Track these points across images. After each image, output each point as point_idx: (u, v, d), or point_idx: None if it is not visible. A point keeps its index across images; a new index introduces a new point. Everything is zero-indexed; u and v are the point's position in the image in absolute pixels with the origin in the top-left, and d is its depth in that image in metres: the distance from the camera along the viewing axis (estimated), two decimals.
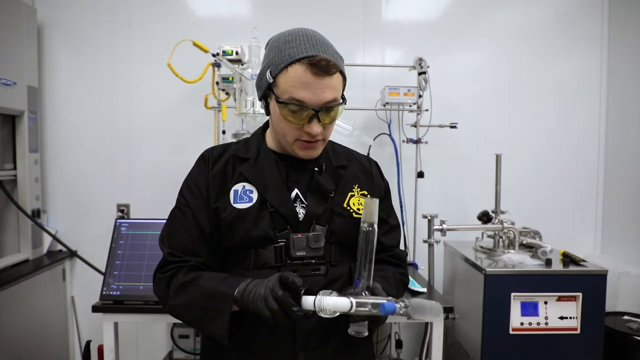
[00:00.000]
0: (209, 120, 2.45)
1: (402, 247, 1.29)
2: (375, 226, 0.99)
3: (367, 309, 0.90)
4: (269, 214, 1.05)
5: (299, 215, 1.06)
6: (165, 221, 1.12)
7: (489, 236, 2.30)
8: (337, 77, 0.99)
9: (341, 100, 1.02)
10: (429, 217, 2.28)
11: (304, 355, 1.01)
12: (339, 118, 1.06)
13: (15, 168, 2.37)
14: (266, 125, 1.17)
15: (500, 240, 2.23)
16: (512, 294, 1.90)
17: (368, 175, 1.19)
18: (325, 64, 0.95)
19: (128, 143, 2.62)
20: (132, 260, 1.96)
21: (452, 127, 2.47)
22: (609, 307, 2.13)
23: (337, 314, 0.90)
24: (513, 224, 2.23)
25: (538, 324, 1.91)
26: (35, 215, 2.42)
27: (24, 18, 2.35)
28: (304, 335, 1.02)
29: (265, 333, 1.01)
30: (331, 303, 0.89)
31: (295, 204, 1.07)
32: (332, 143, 1.19)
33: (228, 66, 2.21)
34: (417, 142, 2.48)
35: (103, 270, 1.98)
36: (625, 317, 2.21)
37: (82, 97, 2.61)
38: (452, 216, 2.36)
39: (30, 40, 2.42)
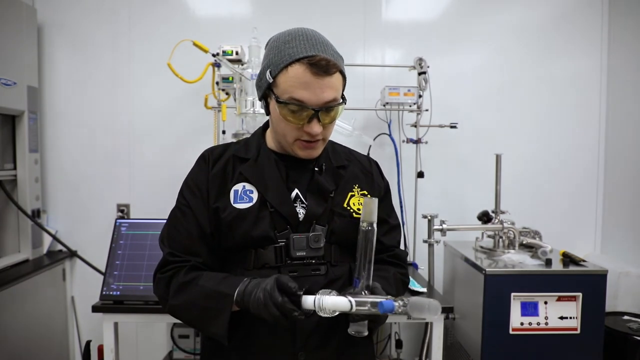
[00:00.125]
0: (209, 120, 2.45)
1: (402, 247, 1.29)
2: (375, 225, 0.99)
3: (366, 308, 0.90)
4: (269, 214, 1.05)
5: (299, 215, 1.06)
6: (165, 221, 1.12)
7: (489, 236, 2.30)
8: (337, 76, 0.99)
9: (341, 100, 1.02)
10: (429, 217, 2.28)
11: (304, 355, 1.01)
12: (339, 118, 1.06)
13: (15, 168, 2.37)
14: (266, 125, 1.17)
15: (500, 240, 2.23)
16: (512, 294, 1.90)
17: (368, 175, 1.19)
18: (325, 64, 0.95)
19: (128, 143, 2.62)
20: (132, 260, 1.96)
21: (452, 127, 2.47)
22: (609, 307, 2.13)
23: (337, 313, 0.90)
24: (513, 224, 2.23)
25: (538, 324, 1.91)
26: (35, 215, 2.42)
27: (24, 18, 2.35)
28: (304, 335, 1.02)
29: (265, 333, 1.01)
30: (331, 302, 0.89)
31: (295, 204, 1.07)
32: (332, 143, 1.19)
33: (228, 66, 2.21)
34: (417, 142, 2.48)
35: (103, 270, 1.98)
36: (625, 317, 2.21)
37: (82, 97, 2.61)
38: (452, 216, 2.36)
39: (30, 40, 2.42)
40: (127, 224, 2.06)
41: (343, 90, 1.04)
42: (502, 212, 2.27)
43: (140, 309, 1.86)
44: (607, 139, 2.73)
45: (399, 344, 2.49)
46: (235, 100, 2.26)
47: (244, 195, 1.07)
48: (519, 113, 2.71)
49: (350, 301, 0.89)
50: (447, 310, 1.92)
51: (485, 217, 2.28)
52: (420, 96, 2.41)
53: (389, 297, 0.91)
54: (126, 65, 2.60)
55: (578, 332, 1.91)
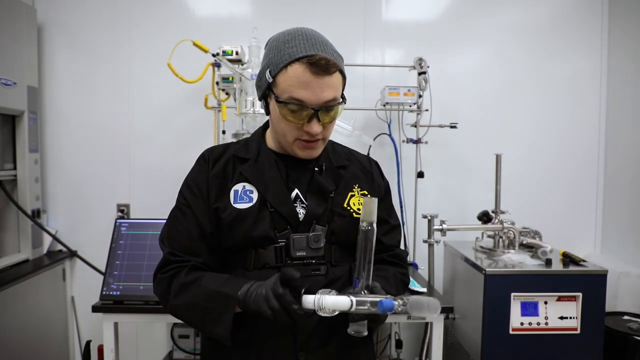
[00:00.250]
0: (209, 120, 2.45)
1: (402, 247, 1.29)
2: (374, 225, 0.99)
3: (366, 307, 0.90)
4: (269, 214, 1.05)
5: (299, 216, 1.06)
6: (165, 221, 1.11)
7: (489, 236, 2.30)
8: (337, 76, 0.99)
9: (341, 100, 1.02)
10: (429, 217, 2.28)
11: (304, 355, 1.01)
12: (338, 118, 1.06)
13: (15, 168, 2.37)
14: (266, 125, 1.17)
15: (500, 240, 2.23)
16: (512, 294, 1.90)
17: (368, 175, 1.19)
18: (324, 63, 0.95)
19: (128, 143, 2.62)
20: (132, 260, 1.96)
21: (452, 127, 2.47)
22: (609, 307, 2.13)
23: (336, 312, 0.90)
24: (513, 224, 2.23)
25: (538, 324, 1.91)
26: (35, 215, 2.42)
27: (24, 18, 2.35)
28: (305, 335, 1.02)
29: (266, 333, 1.01)
30: (331, 302, 0.89)
31: (295, 204, 1.07)
32: (332, 143, 1.19)
33: (228, 66, 2.21)
34: (417, 142, 2.48)
35: (103, 270, 1.98)
36: (625, 317, 2.21)
37: (82, 97, 2.61)
38: (452, 216, 2.35)
39: (30, 40, 2.42)
40: (127, 224, 2.06)
41: (343, 89, 1.04)
42: (502, 212, 2.27)
43: (140, 309, 1.86)
44: (607, 139, 2.73)
45: (399, 344, 2.49)
46: (235, 100, 2.26)
47: (244, 196, 1.06)
48: (519, 113, 2.71)
49: (350, 300, 0.89)
50: (447, 310, 1.91)
51: (485, 217, 2.28)
52: (420, 96, 2.41)
53: (388, 296, 0.91)
54: (126, 65, 2.60)
55: (578, 332, 1.91)
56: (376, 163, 1.25)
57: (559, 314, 1.92)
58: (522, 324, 1.91)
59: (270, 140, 1.14)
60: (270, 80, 1.00)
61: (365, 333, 0.97)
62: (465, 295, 2.17)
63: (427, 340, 2.16)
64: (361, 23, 2.66)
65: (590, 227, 2.76)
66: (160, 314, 1.82)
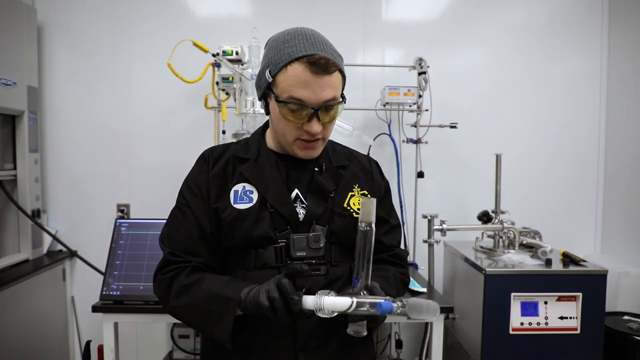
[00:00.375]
0: (209, 120, 2.45)
1: (402, 246, 1.29)
2: (373, 226, 0.98)
3: (365, 308, 0.90)
4: (269, 214, 1.05)
5: (299, 216, 1.06)
6: (165, 221, 1.11)
7: (489, 236, 2.29)
8: (337, 75, 0.99)
9: (341, 99, 1.02)
10: (429, 217, 2.28)
11: (304, 356, 1.01)
12: (338, 117, 1.06)
13: (15, 168, 2.37)
14: (266, 125, 1.17)
15: (500, 240, 2.23)
16: (512, 294, 1.90)
17: (368, 175, 1.19)
18: (324, 63, 0.95)
19: (128, 143, 2.62)
20: (132, 260, 1.96)
21: (452, 127, 2.47)
22: (609, 307, 2.12)
23: (335, 314, 0.90)
24: (513, 224, 2.23)
25: (538, 324, 1.91)
26: (35, 215, 2.42)
27: (24, 18, 2.35)
28: (305, 336, 1.02)
29: (266, 334, 1.01)
30: (330, 303, 0.89)
31: (295, 204, 1.07)
32: (332, 143, 1.19)
33: (228, 66, 2.21)
34: (417, 142, 2.48)
35: (103, 270, 1.98)
36: (625, 317, 2.21)
37: (82, 97, 2.61)
38: (452, 216, 2.36)
39: (30, 40, 2.42)
40: (127, 224, 2.06)
41: (343, 89, 1.04)
42: (502, 212, 2.27)
43: (140, 309, 1.86)
44: (607, 139, 2.73)
45: (399, 344, 2.49)
46: (235, 100, 2.26)
47: (244, 196, 1.06)
48: (519, 113, 2.71)
49: (349, 302, 0.89)
50: (447, 310, 1.91)
51: (485, 217, 2.28)
52: (420, 96, 2.41)
53: (387, 297, 0.91)
54: (126, 65, 2.60)
55: (578, 332, 1.91)
56: (376, 163, 1.25)
57: (559, 314, 1.92)
58: (522, 324, 1.91)
59: (270, 140, 1.14)
60: (270, 79, 1.00)
61: (365, 333, 0.97)
62: (465, 295, 2.17)
63: (427, 340, 2.16)
64: (361, 23, 2.66)
65: (590, 227, 2.76)
66: (160, 314, 1.82)
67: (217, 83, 2.27)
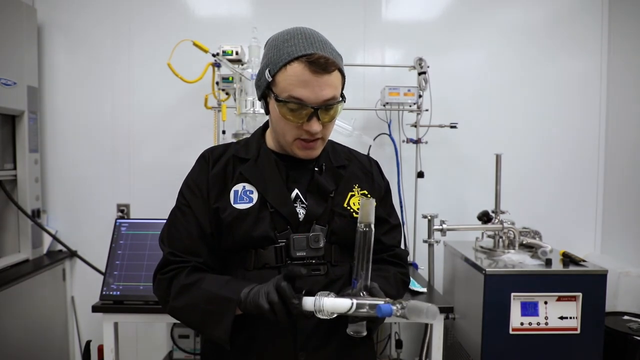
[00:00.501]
0: (209, 120, 2.45)
1: (402, 246, 1.29)
2: (372, 226, 0.98)
3: (365, 310, 0.90)
4: (269, 214, 1.05)
5: (299, 216, 1.06)
6: (165, 221, 1.11)
7: (489, 236, 2.29)
8: (336, 75, 0.99)
9: (340, 99, 1.02)
10: (429, 217, 2.28)
11: (305, 356, 1.01)
12: (338, 117, 1.06)
13: (15, 168, 2.37)
14: (266, 126, 1.17)
15: (500, 240, 2.23)
16: (512, 294, 1.90)
17: (368, 174, 1.19)
18: (323, 62, 0.95)
19: (128, 143, 2.62)
20: (132, 260, 1.96)
21: (452, 127, 2.47)
22: (609, 307, 2.12)
23: (335, 315, 0.90)
24: (513, 224, 2.23)
25: (538, 324, 1.91)
26: (35, 215, 2.42)
27: (24, 18, 2.35)
28: (305, 336, 1.02)
29: (266, 334, 1.01)
30: (330, 304, 0.89)
31: (295, 204, 1.07)
32: (332, 143, 1.19)
33: (228, 66, 2.21)
34: (417, 142, 2.48)
35: (103, 270, 1.98)
36: (625, 317, 2.21)
37: (82, 97, 2.61)
38: (452, 216, 2.36)
39: (30, 40, 2.42)
40: (127, 224, 2.06)
41: (342, 88, 1.04)
42: (502, 212, 2.27)
43: (140, 309, 1.86)
44: (607, 139, 2.73)
45: (399, 344, 2.49)
46: (235, 100, 2.26)
47: (244, 196, 1.06)
48: (519, 113, 2.70)
49: (349, 303, 0.89)
50: (447, 310, 1.91)
51: (485, 217, 2.28)
52: (420, 96, 2.41)
53: (387, 299, 0.90)
54: (126, 65, 2.60)
55: (578, 332, 1.91)
56: (376, 163, 1.25)
57: (559, 314, 1.92)
58: (522, 324, 1.90)
59: (270, 141, 1.14)
60: (270, 79, 1.00)
61: (365, 333, 0.97)
62: (465, 295, 2.17)
63: (427, 340, 2.16)
64: (361, 23, 2.66)
65: (590, 227, 2.76)
66: (160, 314, 1.82)
67: (217, 83, 2.27)
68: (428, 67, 2.41)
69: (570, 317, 1.91)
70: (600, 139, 2.74)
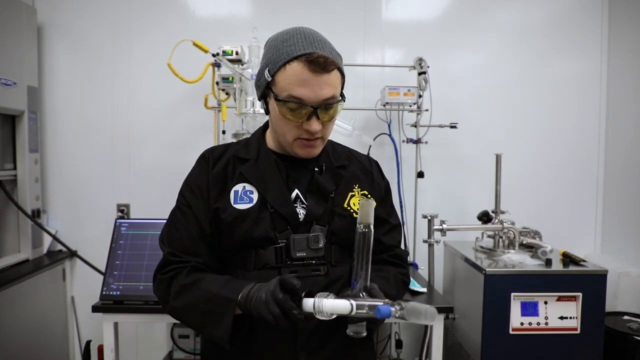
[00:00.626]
0: (209, 120, 2.45)
1: (402, 246, 1.29)
2: (372, 227, 0.98)
3: (364, 311, 0.90)
4: (269, 214, 1.05)
5: (299, 216, 1.06)
6: (165, 221, 1.11)
7: (489, 236, 2.29)
8: (336, 74, 0.99)
9: (340, 98, 1.02)
10: (429, 217, 2.28)
11: (305, 356, 1.01)
12: (338, 117, 1.06)
13: (15, 168, 2.37)
14: (266, 126, 1.17)
15: (500, 240, 2.23)
16: (512, 294, 1.90)
17: (368, 175, 1.19)
18: (323, 61, 0.95)
19: (128, 143, 2.62)
20: (132, 260, 1.96)
21: (452, 127, 2.47)
22: (609, 307, 2.12)
23: (334, 316, 0.90)
24: (513, 224, 2.23)
25: (538, 324, 1.91)
26: (35, 215, 2.42)
27: (24, 18, 2.35)
28: (305, 336, 1.02)
29: (266, 334, 1.01)
30: (329, 305, 0.89)
31: (295, 205, 1.07)
32: (332, 143, 1.19)
33: (228, 66, 2.21)
34: (417, 142, 2.48)
35: (103, 270, 1.98)
36: (625, 317, 2.21)
37: (82, 97, 2.61)
38: (452, 216, 2.36)
39: (30, 40, 2.42)
40: (127, 224, 2.06)
41: (342, 88, 1.04)
42: (502, 212, 2.27)
43: (140, 309, 1.86)
44: (607, 139, 2.73)
45: (399, 344, 2.49)
46: (235, 100, 2.26)
47: (244, 196, 1.06)
48: (519, 113, 2.70)
49: (348, 305, 0.89)
50: (447, 310, 1.91)
51: (485, 217, 2.28)
52: (420, 96, 2.41)
53: (386, 301, 0.90)
54: (126, 65, 2.60)
55: (578, 332, 1.91)
56: (376, 163, 1.25)
57: (559, 314, 1.92)
58: (522, 324, 1.91)
59: (270, 141, 1.14)
60: (269, 79, 1.00)
61: (364, 334, 0.97)
62: (465, 295, 2.17)
63: (427, 340, 2.16)
64: (361, 23, 2.66)
65: (590, 227, 2.76)
66: (160, 314, 1.82)
67: (217, 83, 2.27)
68: (428, 67, 2.41)
69: (570, 317, 1.91)
70: (600, 139, 2.74)
